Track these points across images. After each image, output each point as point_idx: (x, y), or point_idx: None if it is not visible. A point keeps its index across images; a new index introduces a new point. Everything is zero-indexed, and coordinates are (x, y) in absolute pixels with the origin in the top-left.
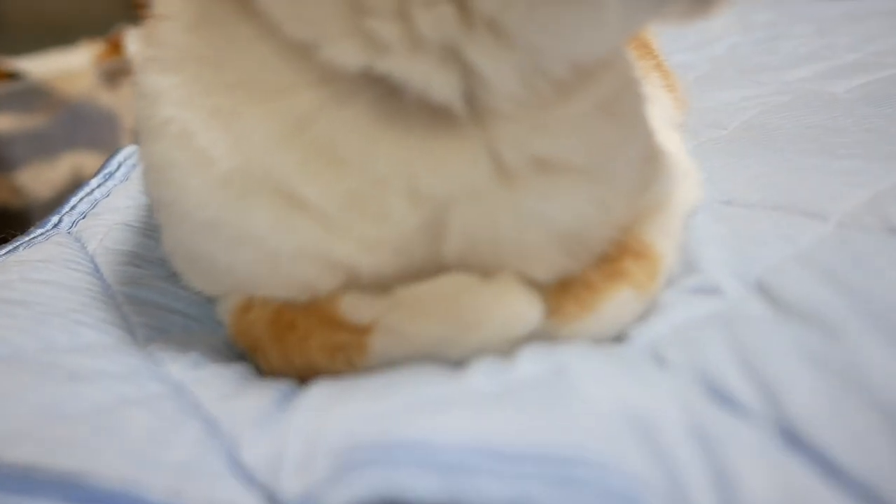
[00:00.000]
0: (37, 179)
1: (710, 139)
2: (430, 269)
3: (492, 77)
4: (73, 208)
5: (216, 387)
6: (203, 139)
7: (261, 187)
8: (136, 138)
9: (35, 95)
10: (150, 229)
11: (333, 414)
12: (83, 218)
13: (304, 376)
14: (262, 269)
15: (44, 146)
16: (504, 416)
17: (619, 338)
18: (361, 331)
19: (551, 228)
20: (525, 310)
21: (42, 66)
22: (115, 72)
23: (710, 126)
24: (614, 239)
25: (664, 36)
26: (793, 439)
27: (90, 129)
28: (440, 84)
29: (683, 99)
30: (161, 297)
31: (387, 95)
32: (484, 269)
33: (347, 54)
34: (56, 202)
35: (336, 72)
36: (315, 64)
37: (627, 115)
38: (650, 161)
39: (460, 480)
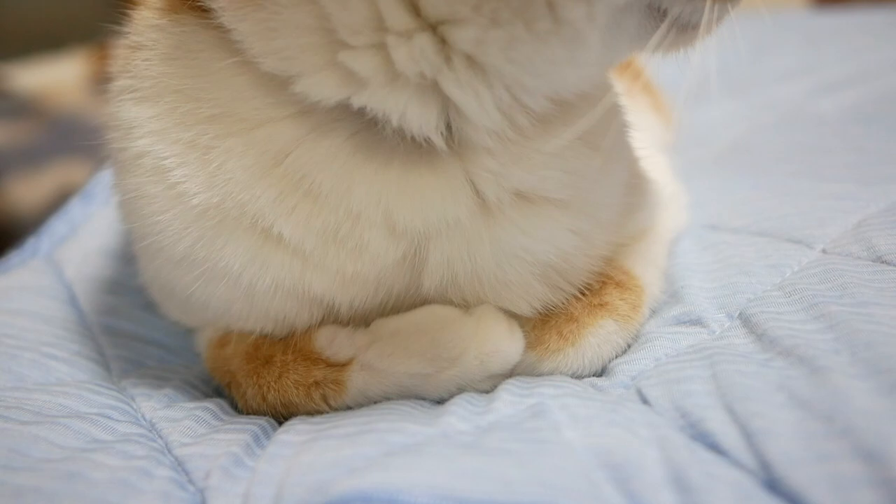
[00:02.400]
0: (25, 191)
1: (697, 158)
2: (409, 301)
3: (470, 111)
4: (51, 231)
5: (188, 427)
6: (177, 174)
7: (236, 223)
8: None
9: (23, 107)
10: (129, 255)
11: (303, 461)
12: (62, 242)
13: (279, 414)
14: (238, 305)
15: (32, 157)
16: (477, 466)
17: (601, 372)
18: (339, 367)
19: (532, 261)
20: (505, 344)
21: (31, 77)
22: (105, 81)
23: (696, 144)
24: (597, 270)
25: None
26: (773, 485)
27: (79, 140)
28: (418, 117)
29: (670, 117)
30: (138, 328)
31: (365, 128)
32: (464, 302)
33: (323, 88)
34: (44, 214)
35: (313, 104)
36: (292, 96)
37: (609, 146)
38: (633, 190)
39: None
